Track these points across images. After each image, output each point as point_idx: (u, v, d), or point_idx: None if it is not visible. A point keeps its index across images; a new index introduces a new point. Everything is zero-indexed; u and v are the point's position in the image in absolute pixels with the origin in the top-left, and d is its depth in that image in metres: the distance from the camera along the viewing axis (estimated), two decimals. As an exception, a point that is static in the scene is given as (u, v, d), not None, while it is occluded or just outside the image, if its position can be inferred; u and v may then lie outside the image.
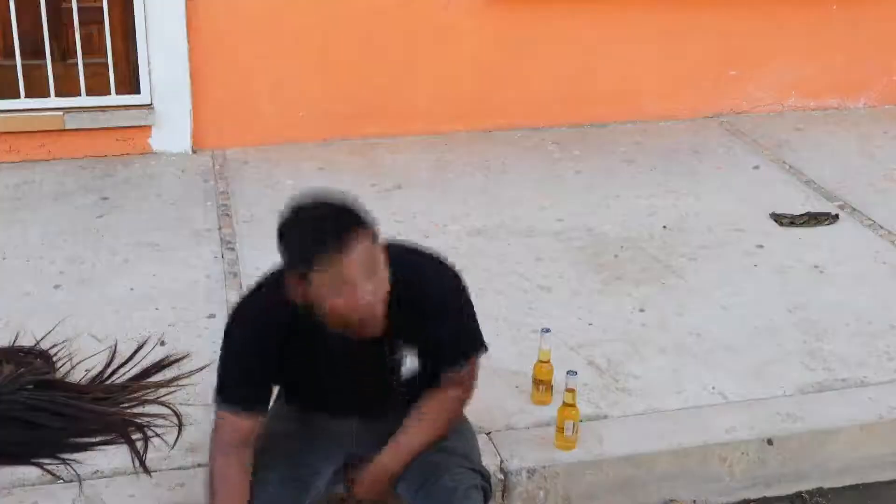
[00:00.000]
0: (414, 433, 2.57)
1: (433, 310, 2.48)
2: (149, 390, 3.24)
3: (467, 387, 2.64)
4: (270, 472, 2.53)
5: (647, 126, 5.67)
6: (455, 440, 2.65)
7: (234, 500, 2.47)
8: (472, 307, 2.60)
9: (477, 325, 2.61)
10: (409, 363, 2.54)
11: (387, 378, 2.56)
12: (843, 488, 3.25)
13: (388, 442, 2.58)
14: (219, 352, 2.52)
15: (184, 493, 2.83)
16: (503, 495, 2.97)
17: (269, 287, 2.49)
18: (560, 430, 3.00)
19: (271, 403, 2.75)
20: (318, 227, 2.28)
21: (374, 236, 2.31)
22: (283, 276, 2.38)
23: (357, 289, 2.27)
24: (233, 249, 4.19)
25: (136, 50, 5.03)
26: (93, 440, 3.00)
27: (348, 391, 2.56)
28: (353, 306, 2.29)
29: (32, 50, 4.95)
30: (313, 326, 2.39)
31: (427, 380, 2.59)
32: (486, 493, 2.61)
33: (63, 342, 3.47)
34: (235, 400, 2.49)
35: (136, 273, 4.01)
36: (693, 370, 3.45)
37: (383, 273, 2.33)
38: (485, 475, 2.64)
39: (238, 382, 2.50)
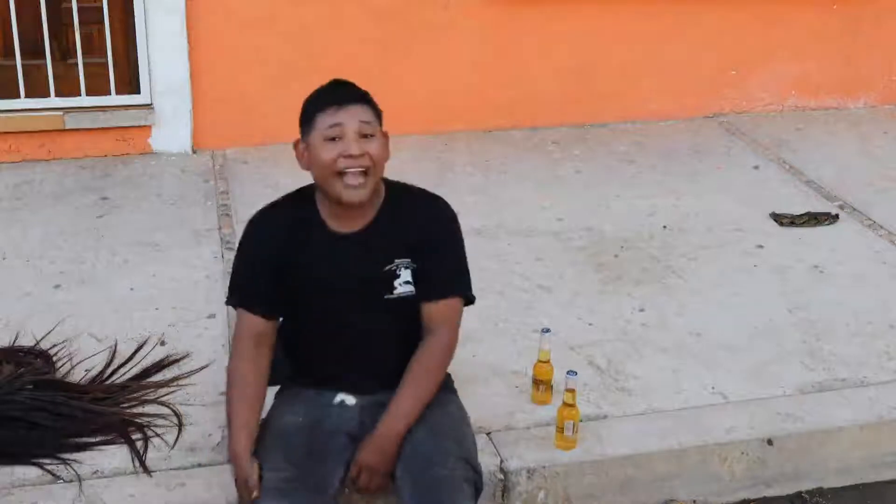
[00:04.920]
0: (410, 393, 2.66)
1: (429, 231, 2.73)
2: (149, 390, 3.24)
3: (453, 333, 2.76)
4: (283, 475, 2.54)
5: (647, 126, 5.68)
6: (449, 432, 2.67)
7: (246, 398, 2.66)
8: (461, 241, 2.81)
9: (464, 260, 2.81)
10: (404, 278, 2.69)
11: (382, 292, 2.68)
12: (843, 488, 3.25)
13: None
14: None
15: (184, 493, 2.83)
16: (503, 495, 2.97)
17: (282, 202, 2.79)
18: (560, 430, 3.00)
19: (272, 397, 2.81)
20: (330, 88, 2.67)
21: (375, 115, 2.64)
22: (296, 194, 2.77)
23: (346, 142, 2.57)
24: (233, 249, 4.15)
25: (136, 50, 5.04)
26: (93, 440, 3.00)
27: (349, 308, 2.68)
28: (338, 159, 2.56)
29: (32, 50, 4.96)
30: (317, 231, 2.68)
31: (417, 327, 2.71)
32: (477, 486, 2.63)
33: (63, 342, 3.47)
34: (247, 301, 2.74)
35: (136, 273, 4.01)
36: (693, 370, 3.45)
37: (378, 145, 2.62)
38: (476, 469, 2.65)
39: (248, 285, 2.75)
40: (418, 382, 2.68)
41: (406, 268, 2.70)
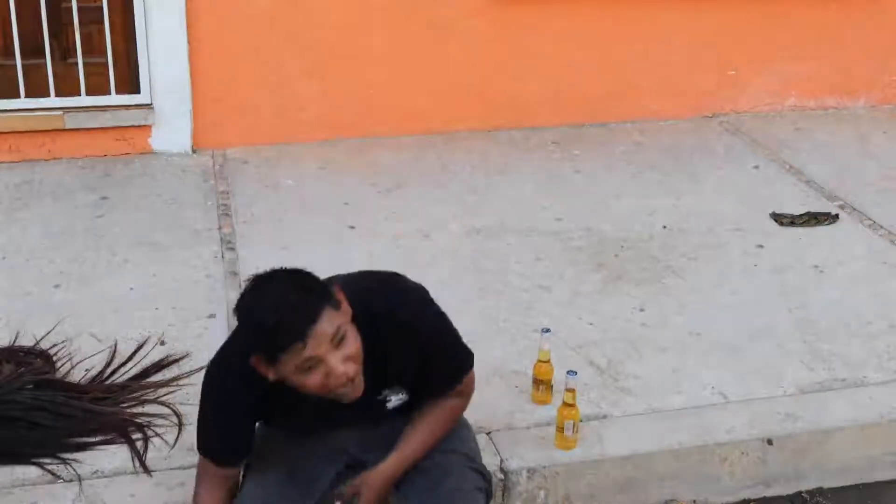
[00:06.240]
0: (416, 441, 2.58)
1: (412, 341, 2.44)
2: (149, 390, 3.24)
3: (467, 396, 2.67)
4: (270, 478, 2.53)
5: (647, 126, 5.68)
6: (456, 441, 2.66)
7: None
8: (446, 318, 2.54)
9: (458, 336, 2.58)
10: (395, 398, 2.54)
11: (375, 412, 2.55)
12: (843, 488, 3.25)
13: (388, 448, 2.58)
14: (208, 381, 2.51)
15: (184, 492, 2.83)
16: (503, 495, 2.97)
17: (240, 357, 2.38)
18: (560, 430, 3.00)
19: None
20: (280, 314, 2.19)
21: (337, 304, 2.26)
22: None
23: (327, 365, 2.24)
24: (233, 249, 4.19)
25: (136, 50, 5.04)
26: (93, 440, 3.00)
27: (337, 427, 2.57)
28: (325, 382, 2.26)
29: (32, 49, 4.95)
30: (290, 396, 2.36)
31: (420, 400, 2.59)
32: (488, 495, 2.62)
33: (63, 342, 3.47)
34: (214, 455, 2.52)
35: (136, 273, 4.01)
36: (693, 370, 3.45)
37: (352, 339, 2.28)
38: (486, 476, 2.65)
39: (216, 440, 2.51)
40: (431, 431, 2.58)
41: (396, 392, 2.53)
